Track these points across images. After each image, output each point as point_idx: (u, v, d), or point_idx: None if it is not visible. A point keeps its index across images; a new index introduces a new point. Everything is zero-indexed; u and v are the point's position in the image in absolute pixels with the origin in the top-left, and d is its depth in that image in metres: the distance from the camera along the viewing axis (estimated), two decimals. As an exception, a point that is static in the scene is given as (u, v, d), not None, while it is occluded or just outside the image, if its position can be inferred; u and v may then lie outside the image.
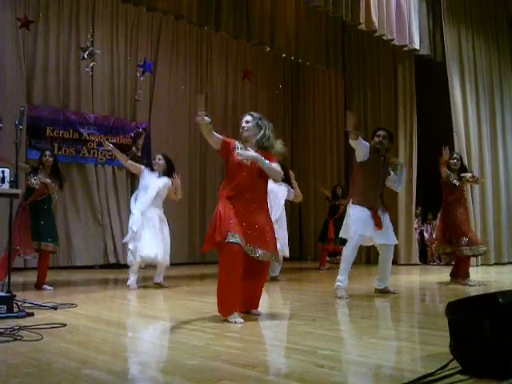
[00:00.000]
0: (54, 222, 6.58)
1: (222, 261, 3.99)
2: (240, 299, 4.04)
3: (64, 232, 9.90)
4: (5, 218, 6.16)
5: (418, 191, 10.87)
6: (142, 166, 6.78)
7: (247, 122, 4.23)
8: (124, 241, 6.56)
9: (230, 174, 4.19)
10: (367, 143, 5.56)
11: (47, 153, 6.54)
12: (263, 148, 4.17)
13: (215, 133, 4.18)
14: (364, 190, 5.52)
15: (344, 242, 9.26)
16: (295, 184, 7.49)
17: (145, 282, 6.92)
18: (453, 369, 2.36)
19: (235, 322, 3.82)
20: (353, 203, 5.53)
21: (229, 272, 3.90)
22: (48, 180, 6.29)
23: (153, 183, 6.50)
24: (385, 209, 5.63)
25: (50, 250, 6.34)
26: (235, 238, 3.86)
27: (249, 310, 4.27)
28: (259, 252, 4.03)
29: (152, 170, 6.63)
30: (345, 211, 9.51)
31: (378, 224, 5.43)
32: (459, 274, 6.81)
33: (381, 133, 5.67)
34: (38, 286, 6.35)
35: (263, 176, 4.18)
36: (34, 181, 6.24)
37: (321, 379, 2.36)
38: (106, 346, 3.14)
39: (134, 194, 6.71)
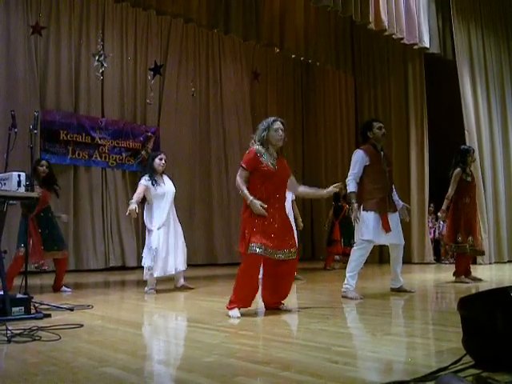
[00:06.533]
0: (58, 228, 6.49)
1: (242, 266, 4.27)
2: (250, 301, 4.31)
3: (74, 235, 10.01)
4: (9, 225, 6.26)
5: (429, 189, 10.85)
6: (143, 185, 6.23)
7: (282, 130, 4.38)
8: (144, 261, 6.21)
9: (257, 181, 4.28)
10: (359, 156, 5.36)
11: (44, 162, 6.38)
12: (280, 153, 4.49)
13: (242, 179, 4.31)
14: (372, 195, 5.32)
15: (349, 242, 9.29)
16: None
17: (159, 286, 6.92)
18: (466, 363, 2.38)
19: (231, 316, 4.12)
20: (363, 209, 5.32)
21: (244, 277, 4.24)
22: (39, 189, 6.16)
23: (168, 190, 6.31)
24: (394, 209, 5.46)
25: (59, 257, 6.35)
26: (256, 248, 4.11)
27: (277, 305, 4.48)
28: (283, 253, 4.27)
29: (154, 179, 6.27)
30: (349, 212, 9.58)
31: (386, 228, 5.28)
32: (467, 269, 6.82)
33: (381, 124, 5.46)
34: (56, 288, 6.40)
35: (286, 181, 4.46)
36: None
37: (335, 374, 2.38)
38: (124, 345, 3.19)
39: (146, 209, 6.35)
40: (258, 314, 4.38)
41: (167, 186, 6.36)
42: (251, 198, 4.16)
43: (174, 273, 6.31)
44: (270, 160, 4.30)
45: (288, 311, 4.42)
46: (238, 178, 4.29)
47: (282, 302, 4.51)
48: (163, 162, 6.33)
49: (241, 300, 4.24)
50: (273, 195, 4.29)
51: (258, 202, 4.13)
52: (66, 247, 6.53)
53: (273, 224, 4.23)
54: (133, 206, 5.99)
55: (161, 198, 6.24)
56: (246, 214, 4.27)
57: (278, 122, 4.38)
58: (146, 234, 6.31)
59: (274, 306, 4.47)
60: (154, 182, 6.21)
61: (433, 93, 11.10)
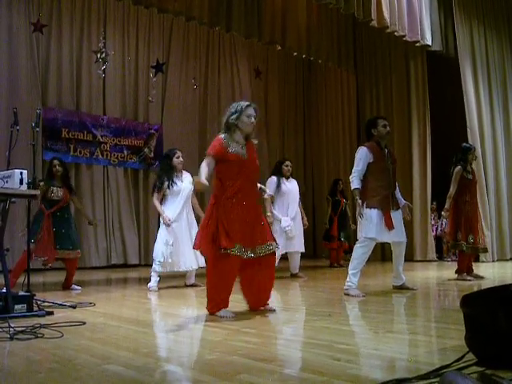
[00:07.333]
0: (74, 228, 6.54)
1: (214, 267, 4.02)
2: (228, 299, 4.10)
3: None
4: (15, 220, 6.25)
5: (432, 186, 10.83)
6: (161, 193, 6.27)
7: (255, 117, 4.16)
8: (155, 255, 6.19)
9: (231, 171, 4.03)
10: (363, 153, 5.31)
11: (56, 162, 6.40)
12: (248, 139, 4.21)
13: (207, 167, 3.96)
14: (375, 192, 5.28)
15: (347, 237, 9.26)
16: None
17: (166, 283, 6.89)
18: (469, 361, 2.38)
19: (227, 317, 3.92)
20: (366, 207, 5.27)
21: (219, 280, 4.00)
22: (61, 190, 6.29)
23: (184, 188, 6.25)
24: (397, 206, 5.44)
25: (71, 257, 6.35)
26: (231, 248, 3.87)
27: (260, 306, 4.27)
28: (257, 250, 4.04)
29: (172, 179, 6.23)
30: (346, 207, 9.54)
31: (389, 225, 5.24)
32: (469, 267, 6.82)
33: (386, 122, 5.41)
34: (67, 286, 6.40)
35: (257, 171, 4.24)
36: (54, 194, 6.25)
37: (337, 372, 2.38)
38: (126, 343, 3.20)
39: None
40: (260, 312, 4.37)
41: (184, 183, 6.29)
42: (204, 177, 3.78)
43: (184, 270, 6.27)
44: (237, 148, 4.05)
45: (272, 311, 4.23)
46: (202, 164, 3.93)
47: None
48: (181, 159, 6.32)
49: (222, 301, 4.05)
50: (246, 185, 4.04)
51: (204, 183, 3.76)
52: (77, 247, 6.48)
53: (245, 219, 3.98)
54: (168, 223, 6.10)
55: (176, 195, 6.23)
56: (213, 209, 3.98)
57: (252, 108, 4.13)
58: (160, 228, 6.32)
59: (259, 308, 4.25)
60: (172, 183, 6.21)
61: (435, 90, 11.07)
